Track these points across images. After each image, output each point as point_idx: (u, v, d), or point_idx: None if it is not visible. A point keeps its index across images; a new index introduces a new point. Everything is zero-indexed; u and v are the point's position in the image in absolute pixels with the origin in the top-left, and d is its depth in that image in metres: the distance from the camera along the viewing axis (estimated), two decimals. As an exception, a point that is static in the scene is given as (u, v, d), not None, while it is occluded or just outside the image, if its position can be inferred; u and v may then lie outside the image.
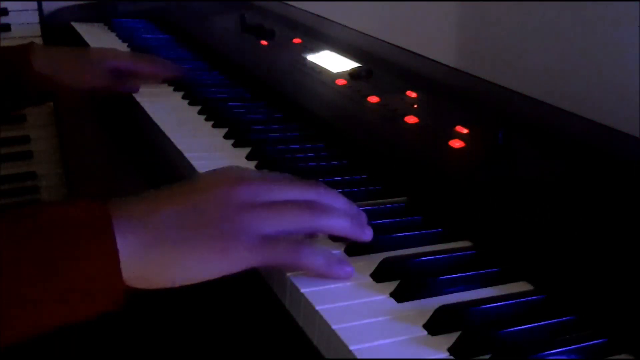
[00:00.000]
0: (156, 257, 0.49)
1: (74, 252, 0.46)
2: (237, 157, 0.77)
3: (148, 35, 1.36)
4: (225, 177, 0.55)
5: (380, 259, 0.55)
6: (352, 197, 0.67)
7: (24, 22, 1.46)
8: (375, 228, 0.60)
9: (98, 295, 0.48)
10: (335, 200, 0.57)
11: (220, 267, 0.51)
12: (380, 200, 0.68)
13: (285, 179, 0.57)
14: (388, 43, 1.03)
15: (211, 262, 0.50)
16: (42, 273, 0.46)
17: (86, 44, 1.27)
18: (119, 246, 0.47)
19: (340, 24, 1.17)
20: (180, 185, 0.54)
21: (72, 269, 0.46)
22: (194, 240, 0.50)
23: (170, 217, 0.50)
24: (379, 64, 0.96)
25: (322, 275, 0.53)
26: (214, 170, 0.57)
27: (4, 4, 1.44)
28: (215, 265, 0.50)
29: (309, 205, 0.55)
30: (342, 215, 0.56)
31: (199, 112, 0.91)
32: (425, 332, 0.48)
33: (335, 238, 0.59)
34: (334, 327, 0.47)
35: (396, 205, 0.66)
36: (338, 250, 0.58)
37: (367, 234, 0.57)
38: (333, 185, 0.68)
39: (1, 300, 0.45)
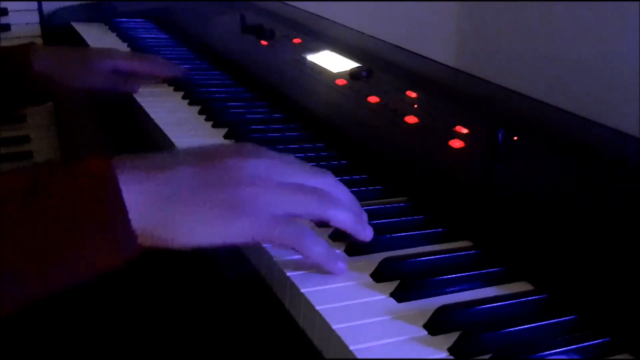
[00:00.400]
0: (164, 213, 0.49)
1: (81, 206, 0.47)
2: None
3: (148, 35, 1.36)
4: (242, 149, 0.56)
5: (380, 259, 0.55)
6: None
7: (24, 22, 1.45)
8: (375, 228, 0.60)
9: (111, 245, 0.48)
10: (343, 193, 0.58)
11: (224, 235, 0.51)
12: (380, 200, 0.68)
13: (298, 163, 0.58)
14: (388, 43, 1.03)
15: (216, 227, 0.50)
16: (60, 230, 0.46)
17: (86, 44, 1.27)
18: (124, 194, 0.47)
19: (340, 24, 1.17)
20: (196, 150, 0.54)
21: (82, 220, 0.47)
22: (202, 202, 0.50)
23: (182, 177, 0.50)
24: (379, 64, 0.96)
25: (317, 266, 0.54)
26: (232, 143, 0.57)
27: (4, 4, 1.44)
28: (220, 231, 0.51)
29: (318, 193, 0.55)
30: (347, 209, 0.56)
31: (199, 112, 0.91)
32: (425, 332, 0.48)
33: (335, 237, 0.59)
34: (334, 327, 0.47)
35: (396, 205, 0.66)
36: (338, 250, 0.58)
37: (368, 233, 0.58)
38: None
39: (20, 258, 0.45)
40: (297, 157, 0.75)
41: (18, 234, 0.46)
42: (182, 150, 0.55)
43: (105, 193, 0.47)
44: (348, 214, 0.56)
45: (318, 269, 0.54)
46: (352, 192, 0.67)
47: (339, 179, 0.70)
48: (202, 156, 0.53)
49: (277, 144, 0.79)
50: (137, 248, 0.49)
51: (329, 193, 0.56)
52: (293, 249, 0.54)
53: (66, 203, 0.47)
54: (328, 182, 0.57)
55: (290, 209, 0.53)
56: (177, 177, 0.50)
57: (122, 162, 0.50)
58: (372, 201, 0.67)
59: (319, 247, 0.54)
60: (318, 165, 0.74)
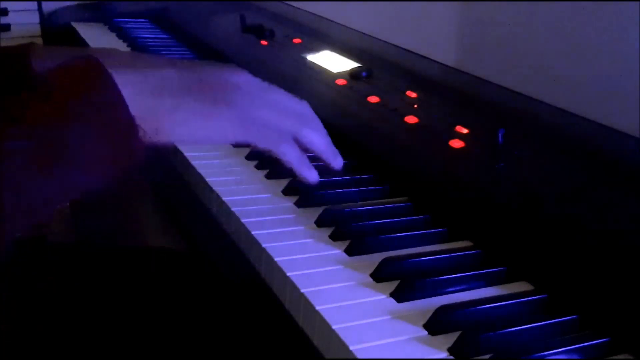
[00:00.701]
0: (152, 102, 0.51)
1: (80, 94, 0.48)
2: (237, 157, 0.77)
3: (148, 35, 1.36)
4: (228, 66, 0.60)
5: (381, 259, 0.55)
6: (352, 197, 0.67)
7: (24, 22, 1.46)
8: (375, 228, 0.60)
9: (114, 135, 0.49)
10: (317, 120, 0.63)
11: (206, 131, 0.54)
12: (380, 200, 0.68)
13: (279, 88, 0.62)
14: (388, 43, 1.03)
15: (199, 122, 0.53)
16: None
17: (86, 44, 1.28)
18: (120, 86, 0.49)
19: (340, 24, 1.17)
20: (193, 61, 0.59)
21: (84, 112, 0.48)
22: (187, 98, 0.53)
23: (168, 75, 0.53)
24: (379, 64, 0.96)
25: (291, 169, 0.59)
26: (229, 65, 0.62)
27: (4, 4, 1.44)
28: (202, 126, 0.53)
29: (296, 112, 0.60)
30: (323, 134, 0.62)
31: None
32: (425, 332, 0.48)
33: (335, 237, 0.59)
34: (334, 327, 0.47)
35: (396, 205, 0.66)
36: (338, 250, 0.58)
37: (338, 161, 0.63)
38: (333, 185, 0.69)
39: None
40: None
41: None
42: (177, 60, 0.59)
43: (99, 81, 0.49)
44: (322, 138, 0.61)
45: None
46: (352, 192, 0.68)
47: (338, 179, 0.70)
48: (191, 65, 0.57)
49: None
50: (137, 134, 0.50)
51: (306, 115, 0.60)
52: (270, 151, 0.57)
53: (69, 95, 0.48)
54: (306, 108, 0.62)
55: (269, 116, 0.57)
56: (163, 74, 0.53)
57: (110, 55, 0.53)
58: (372, 201, 0.67)
59: (294, 153, 0.58)
60: (318, 166, 0.74)
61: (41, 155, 0.46)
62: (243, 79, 0.58)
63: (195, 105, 0.53)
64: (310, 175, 0.60)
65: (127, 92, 0.49)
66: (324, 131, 0.63)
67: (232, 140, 0.56)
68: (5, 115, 0.47)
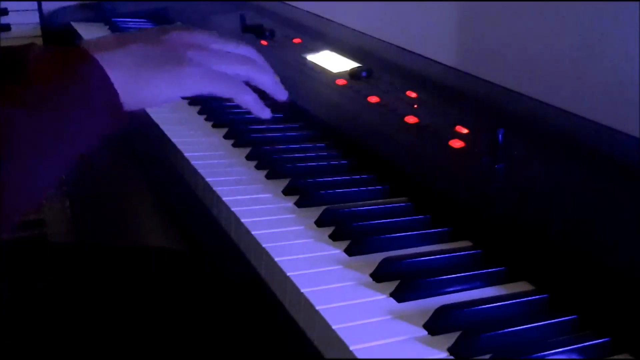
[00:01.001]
0: (127, 75, 0.60)
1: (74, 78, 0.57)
2: (237, 157, 0.77)
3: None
4: (179, 28, 0.69)
5: (380, 259, 0.55)
6: (352, 197, 0.67)
7: (24, 22, 1.46)
8: (375, 228, 0.60)
9: (101, 106, 0.58)
10: (262, 60, 0.73)
11: (175, 89, 0.63)
12: (380, 200, 0.68)
13: (226, 37, 0.72)
14: (388, 43, 1.03)
15: (168, 83, 0.63)
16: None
17: (86, 44, 1.27)
18: (105, 69, 0.58)
19: (340, 24, 1.17)
20: (142, 32, 0.69)
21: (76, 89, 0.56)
22: (155, 66, 0.62)
23: (137, 51, 0.63)
24: (379, 64, 0.96)
25: (249, 109, 0.70)
26: (175, 24, 0.76)
27: (4, 4, 1.44)
28: (172, 87, 0.63)
29: (245, 58, 0.70)
30: (268, 73, 0.72)
31: (199, 112, 0.91)
32: (425, 332, 0.48)
33: (335, 237, 0.59)
34: (334, 327, 0.47)
35: (396, 205, 0.66)
36: (338, 250, 0.58)
37: (284, 93, 0.75)
38: (333, 185, 0.69)
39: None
40: (295, 155, 0.76)
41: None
42: (127, 33, 0.70)
43: (88, 65, 0.58)
44: (268, 76, 0.72)
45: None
46: (353, 192, 0.68)
47: (339, 179, 0.70)
48: (148, 37, 0.66)
49: (277, 144, 0.79)
50: (120, 104, 0.59)
51: (254, 60, 0.71)
52: (230, 97, 0.67)
53: (63, 76, 0.56)
54: (251, 51, 0.72)
55: (224, 66, 0.67)
56: (130, 51, 0.62)
57: (89, 44, 0.62)
58: (373, 201, 0.67)
59: (252, 97, 0.69)
60: (318, 165, 0.74)
61: (39, 131, 0.53)
62: (196, 38, 0.67)
63: (162, 71, 0.62)
64: (265, 114, 0.71)
65: (108, 70, 0.58)
66: (270, 70, 0.73)
67: (197, 93, 0.65)
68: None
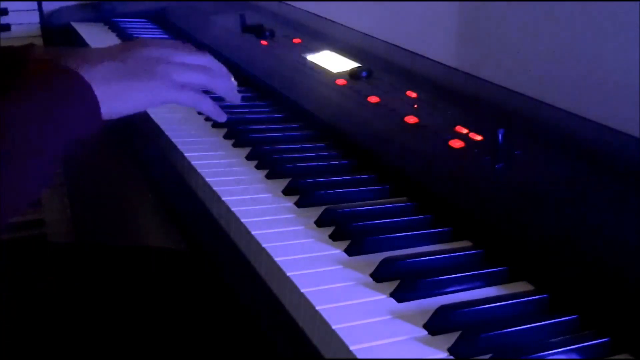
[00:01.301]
0: (107, 89, 0.67)
1: (66, 95, 0.65)
2: (237, 157, 0.77)
3: (148, 35, 1.36)
4: (144, 42, 0.78)
5: (381, 259, 0.55)
6: (352, 197, 0.67)
7: (24, 22, 1.46)
8: (375, 228, 0.60)
9: (83, 118, 0.66)
10: (218, 66, 0.82)
11: (146, 99, 0.72)
12: (380, 200, 0.68)
13: (186, 47, 0.81)
14: (388, 43, 1.03)
15: (139, 94, 0.71)
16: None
17: (86, 44, 1.27)
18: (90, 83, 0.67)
19: (340, 24, 1.17)
20: (111, 48, 0.76)
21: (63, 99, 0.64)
22: (126, 80, 0.70)
23: (110, 67, 0.70)
24: (379, 64, 0.96)
25: (208, 115, 0.81)
26: (137, 40, 0.87)
27: (4, 4, 1.44)
28: (143, 97, 0.72)
29: (203, 68, 0.79)
30: (227, 80, 0.82)
31: (199, 112, 0.91)
32: (425, 332, 0.48)
33: (335, 237, 0.59)
34: (334, 327, 0.47)
35: (396, 205, 0.66)
36: (338, 250, 0.58)
37: (237, 98, 0.85)
38: (333, 185, 0.69)
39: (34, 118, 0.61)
40: (295, 155, 0.76)
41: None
42: (99, 50, 0.76)
43: (75, 80, 0.66)
44: (222, 82, 0.81)
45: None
46: (353, 192, 0.68)
47: (339, 179, 0.70)
48: (120, 51, 0.74)
49: (277, 144, 0.79)
50: (98, 109, 0.66)
51: (211, 68, 0.80)
52: (193, 106, 0.78)
53: (51, 88, 0.64)
54: (210, 61, 0.81)
55: (187, 78, 0.75)
56: (107, 68, 0.69)
57: (68, 59, 0.69)
58: (373, 201, 0.67)
59: (210, 103, 0.79)
60: (318, 165, 0.74)
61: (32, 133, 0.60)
62: (160, 52, 0.75)
63: (134, 85, 0.70)
64: (222, 118, 0.81)
65: (92, 85, 0.66)
66: (225, 76, 0.83)
67: (163, 102, 0.74)
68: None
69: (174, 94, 0.74)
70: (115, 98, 0.69)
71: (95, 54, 0.73)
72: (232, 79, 0.85)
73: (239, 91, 1.01)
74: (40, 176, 0.62)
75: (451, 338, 0.46)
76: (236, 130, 0.82)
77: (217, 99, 0.83)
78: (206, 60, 0.81)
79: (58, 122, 0.63)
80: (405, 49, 0.99)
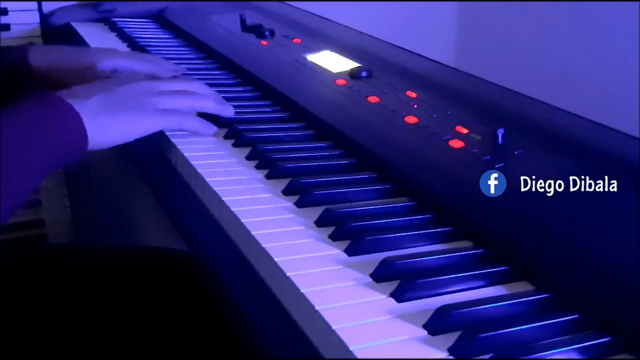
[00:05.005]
0: (96, 122, 0.71)
1: (56, 122, 0.68)
2: (237, 157, 0.77)
3: (148, 35, 1.36)
4: (130, 76, 0.86)
5: (381, 259, 0.55)
6: (352, 197, 0.67)
7: (24, 22, 1.46)
8: (375, 228, 0.60)
9: (72, 146, 0.69)
10: (204, 89, 0.86)
11: (135, 130, 0.75)
12: (380, 201, 0.68)
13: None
14: (388, 43, 1.03)
15: (128, 126, 0.74)
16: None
17: (86, 44, 1.27)
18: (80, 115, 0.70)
19: (340, 24, 1.17)
20: (100, 82, 0.79)
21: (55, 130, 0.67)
22: (116, 113, 0.73)
23: (101, 101, 0.73)
24: (379, 64, 0.96)
25: (198, 132, 0.82)
26: (123, 74, 0.94)
27: (4, 4, 1.44)
28: (132, 128, 0.75)
29: (188, 93, 0.82)
30: (209, 99, 0.84)
31: (199, 113, 0.91)
32: (425, 332, 0.48)
33: (335, 237, 0.59)
34: (333, 327, 0.47)
35: (396, 205, 0.66)
36: (338, 250, 0.58)
37: (229, 110, 0.86)
38: (333, 185, 0.69)
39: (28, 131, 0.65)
40: (295, 155, 0.76)
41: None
42: (90, 85, 0.77)
43: (66, 110, 0.69)
44: (209, 102, 0.84)
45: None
46: (353, 192, 0.68)
47: (339, 179, 0.70)
48: (109, 86, 0.76)
49: (277, 144, 0.79)
50: (86, 140, 0.70)
51: (195, 92, 0.83)
52: (181, 128, 0.80)
53: (43, 118, 0.67)
54: (194, 84, 0.85)
55: (172, 104, 0.79)
56: (98, 102, 0.72)
57: (63, 94, 0.71)
58: (373, 201, 0.67)
59: (197, 122, 0.82)
60: (318, 165, 0.74)
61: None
62: (145, 84, 0.79)
63: (120, 116, 0.73)
64: (212, 131, 0.82)
65: (81, 114, 0.69)
66: (212, 94, 0.86)
67: (152, 131, 0.76)
68: None
69: (160, 122, 0.77)
70: (103, 131, 0.72)
71: (88, 87, 0.76)
72: (220, 99, 0.87)
73: (239, 91, 1.02)
74: (13, 200, 0.63)
75: (451, 338, 0.46)
76: (236, 130, 0.82)
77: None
78: (191, 85, 0.84)
79: (44, 149, 0.66)
80: (405, 49, 0.99)
